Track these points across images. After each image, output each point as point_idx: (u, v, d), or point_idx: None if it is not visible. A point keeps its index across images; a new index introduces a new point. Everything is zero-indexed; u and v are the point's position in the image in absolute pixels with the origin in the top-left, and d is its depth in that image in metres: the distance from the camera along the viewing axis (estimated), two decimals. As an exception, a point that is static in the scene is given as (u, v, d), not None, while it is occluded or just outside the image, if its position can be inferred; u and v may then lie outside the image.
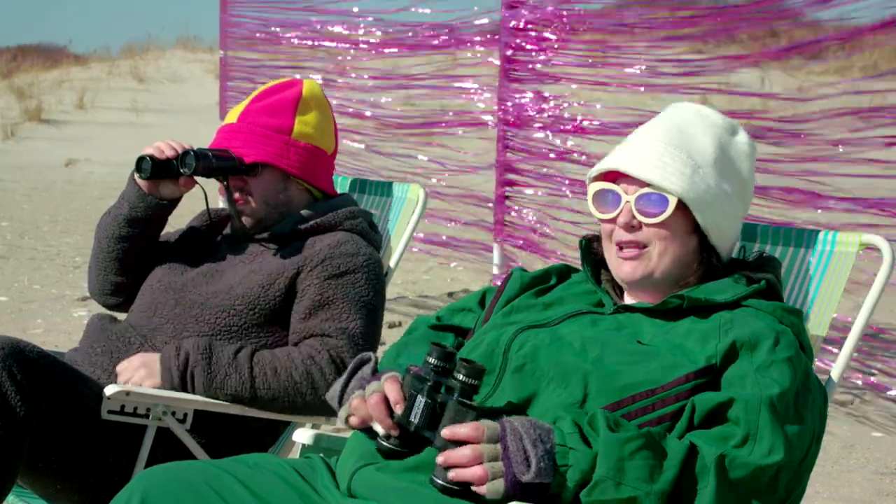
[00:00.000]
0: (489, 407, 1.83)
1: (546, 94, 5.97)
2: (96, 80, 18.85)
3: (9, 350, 2.36)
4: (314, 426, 2.58)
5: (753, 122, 5.40)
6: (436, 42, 6.93)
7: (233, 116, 2.73)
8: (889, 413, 4.92)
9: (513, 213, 6.15)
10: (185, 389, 2.50)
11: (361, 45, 7.57)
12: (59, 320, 6.22)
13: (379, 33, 7.40)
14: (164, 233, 2.85)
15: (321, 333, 2.54)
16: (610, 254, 2.03)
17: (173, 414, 2.50)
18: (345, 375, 2.00)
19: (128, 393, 2.44)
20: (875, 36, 4.97)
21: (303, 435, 2.18)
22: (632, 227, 1.99)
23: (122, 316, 2.78)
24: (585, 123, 5.79)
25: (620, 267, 2.01)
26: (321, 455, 2.03)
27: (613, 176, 2.02)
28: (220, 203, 2.94)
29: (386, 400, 1.84)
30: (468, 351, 1.98)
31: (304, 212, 2.72)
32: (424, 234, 6.93)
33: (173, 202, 2.75)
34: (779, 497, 1.78)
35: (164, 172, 2.67)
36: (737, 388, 1.81)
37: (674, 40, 5.73)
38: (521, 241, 6.08)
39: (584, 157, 5.71)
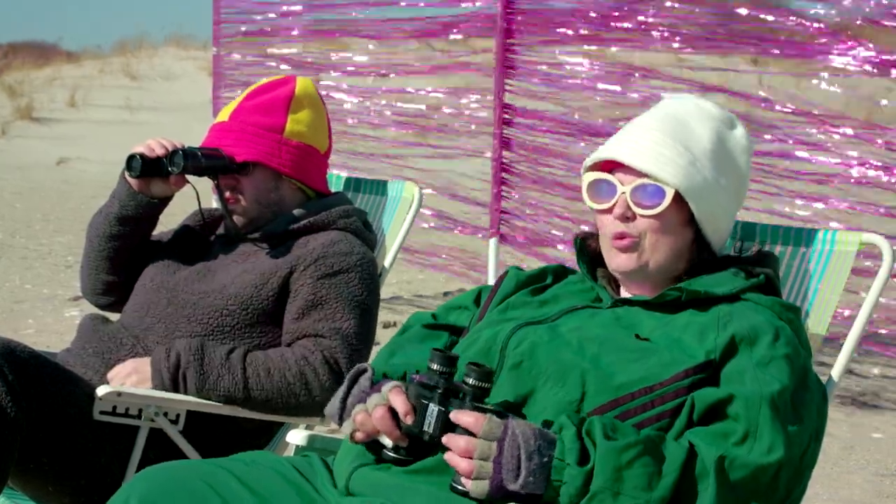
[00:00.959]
0: (503, 410, 1.80)
1: (542, 93, 5.96)
2: (88, 77, 18.82)
3: (0, 350, 2.34)
4: (308, 427, 2.57)
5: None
6: (432, 35, 6.91)
7: (225, 114, 2.71)
8: (889, 414, 4.92)
9: (509, 211, 6.13)
10: (176, 391, 2.48)
11: (357, 41, 7.55)
12: (51, 320, 6.19)
13: (372, 30, 7.38)
14: (157, 232, 2.84)
15: (315, 334, 2.52)
16: (604, 245, 2.02)
17: (165, 415, 2.48)
18: (343, 388, 1.97)
19: (119, 394, 2.43)
20: None
21: (296, 436, 2.17)
22: (626, 218, 1.97)
23: (114, 316, 2.76)
24: (583, 117, 5.78)
25: (614, 258, 1.99)
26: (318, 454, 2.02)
27: (609, 166, 2.00)
28: (214, 202, 2.93)
29: (392, 411, 1.82)
30: (464, 348, 1.97)
31: (296, 211, 2.70)
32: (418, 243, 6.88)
33: (164, 201, 2.73)
34: (779, 497, 1.77)
35: (154, 171, 2.66)
36: (736, 384, 1.80)
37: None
38: (517, 241, 6.06)
39: (581, 154, 5.69)
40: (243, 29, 8.11)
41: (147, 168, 2.65)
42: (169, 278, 2.67)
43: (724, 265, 2.02)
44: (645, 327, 1.92)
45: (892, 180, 4.73)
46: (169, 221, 2.85)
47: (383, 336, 5.46)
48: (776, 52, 5.25)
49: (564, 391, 1.82)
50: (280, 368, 2.48)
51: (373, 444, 1.87)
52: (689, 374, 1.82)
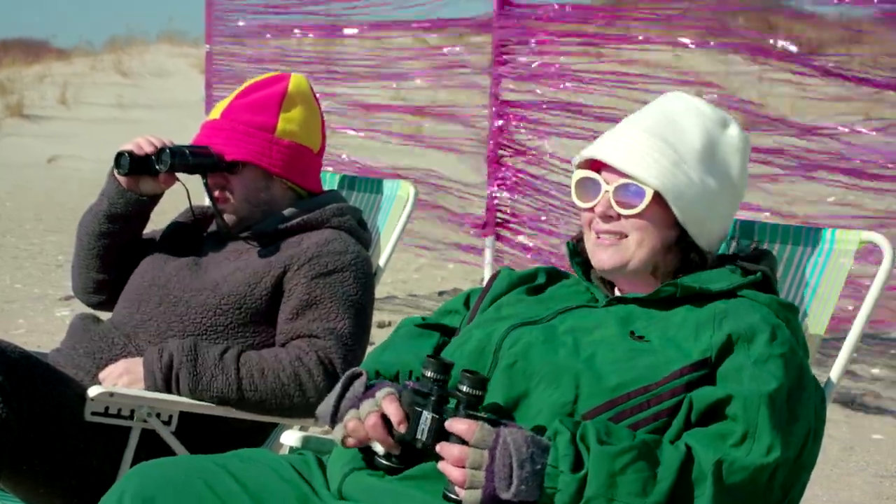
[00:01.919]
0: (497, 417, 1.79)
1: (539, 90, 5.95)
2: (80, 74, 18.78)
3: (-11, 351, 2.33)
4: (302, 428, 2.55)
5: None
6: (427, 34, 6.91)
7: (217, 112, 2.70)
8: (889, 415, 4.91)
9: (506, 212, 6.12)
10: (169, 392, 2.47)
11: (350, 39, 7.53)
12: (42, 320, 6.16)
13: (367, 27, 7.36)
14: (149, 230, 2.82)
15: (309, 334, 2.51)
16: (589, 242, 2.02)
17: (158, 416, 2.46)
18: (336, 391, 1.94)
19: (111, 394, 2.42)
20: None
21: (291, 437, 2.17)
22: (609, 217, 1.98)
23: (105, 316, 2.75)
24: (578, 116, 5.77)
25: (596, 254, 2.00)
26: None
27: (598, 165, 2.01)
28: (205, 200, 2.91)
29: (384, 418, 1.81)
30: (455, 348, 1.96)
31: (286, 211, 2.68)
32: (415, 234, 6.88)
33: (154, 198, 2.72)
34: (776, 498, 1.76)
35: (142, 169, 2.65)
36: (734, 384, 1.78)
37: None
38: (513, 240, 6.05)
39: (576, 149, 5.67)
40: (241, 24, 8.09)
41: (135, 166, 2.64)
42: (160, 274, 2.66)
43: (720, 263, 2.01)
44: (640, 325, 1.92)
45: None
46: (161, 220, 2.84)
47: (378, 336, 5.46)
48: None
49: (558, 393, 1.81)
50: (274, 369, 2.46)
51: (364, 450, 1.86)
52: (685, 373, 1.81)
